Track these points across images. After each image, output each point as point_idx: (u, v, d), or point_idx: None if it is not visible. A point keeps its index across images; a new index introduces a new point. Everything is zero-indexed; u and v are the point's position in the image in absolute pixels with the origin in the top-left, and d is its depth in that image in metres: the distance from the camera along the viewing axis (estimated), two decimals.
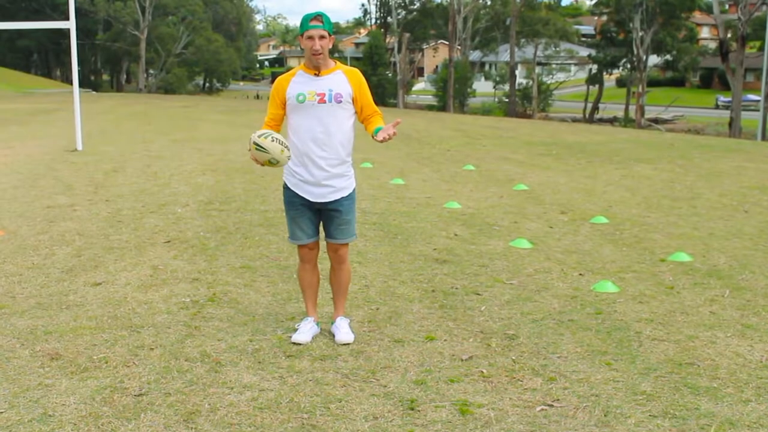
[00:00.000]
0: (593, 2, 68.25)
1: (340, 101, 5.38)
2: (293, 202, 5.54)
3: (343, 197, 5.49)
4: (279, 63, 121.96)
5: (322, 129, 5.35)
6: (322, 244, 5.68)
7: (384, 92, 70.88)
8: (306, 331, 5.62)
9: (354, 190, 5.59)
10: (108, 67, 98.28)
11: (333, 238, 5.59)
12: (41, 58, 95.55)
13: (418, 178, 13.79)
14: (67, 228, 9.35)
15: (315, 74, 5.40)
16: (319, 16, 5.30)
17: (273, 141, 5.13)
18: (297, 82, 5.43)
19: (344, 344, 5.53)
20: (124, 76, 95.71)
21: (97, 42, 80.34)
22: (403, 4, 74.71)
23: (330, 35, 5.36)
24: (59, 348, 5.43)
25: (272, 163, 5.17)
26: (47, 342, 5.55)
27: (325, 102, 5.35)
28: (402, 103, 65.21)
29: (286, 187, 5.57)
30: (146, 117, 30.16)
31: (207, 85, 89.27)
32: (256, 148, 5.12)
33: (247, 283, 7.05)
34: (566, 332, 5.82)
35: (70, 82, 19.39)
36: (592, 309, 6.38)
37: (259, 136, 5.14)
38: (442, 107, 62.03)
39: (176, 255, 8.09)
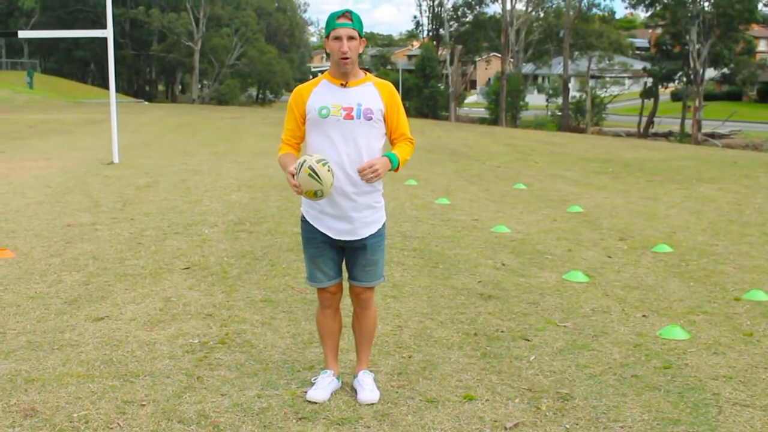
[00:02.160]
0: (648, 15, 66.73)
1: (370, 118, 4.52)
2: (313, 238, 4.70)
3: (370, 234, 4.66)
4: None
5: (350, 150, 4.48)
6: (346, 285, 4.86)
7: (436, 105, 70.22)
8: (323, 386, 4.80)
9: (384, 225, 4.76)
10: (163, 78, 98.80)
11: (356, 280, 4.76)
12: (97, 68, 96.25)
13: (465, 198, 12.94)
14: (82, 250, 8.66)
15: (341, 84, 4.55)
16: (347, 13, 4.47)
17: (329, 171, 4.31)
18: (319, 93, 4.58)
19: (368, 404, 4.70)
20: (179, 87, 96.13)
21: (151, 53, 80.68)
22: (455, 17, 73.98)
23: (361, 37, 4.51)
24: (37, 402, 4.67)
25: (317, 195, 4.33)
26: (26, 393, 4.80)
27: (352, 118, 4.50)
28: (454, 115, 64.34)
29: (304, 221, 4.74)
30: (192, 129, 29.67)
31: (260, 96, 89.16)
32: (309, 174, 4.26)
33: (265, 320, 6.26)
34: (630, 392, 4.93)
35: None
36: (659, 361, 5.48)
37: (318, 162, 4.30)
38: (494, 120, 61.13)
39: (193, 284, 7.33)
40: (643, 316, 6.55)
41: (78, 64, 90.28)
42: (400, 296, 7.02)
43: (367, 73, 4.67)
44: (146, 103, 65.57)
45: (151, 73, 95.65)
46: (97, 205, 11.59)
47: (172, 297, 6.92)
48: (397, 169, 4.60)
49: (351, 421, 4.47)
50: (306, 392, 4.78)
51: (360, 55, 4.55)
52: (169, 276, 7.64)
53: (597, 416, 4.57)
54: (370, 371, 4.97)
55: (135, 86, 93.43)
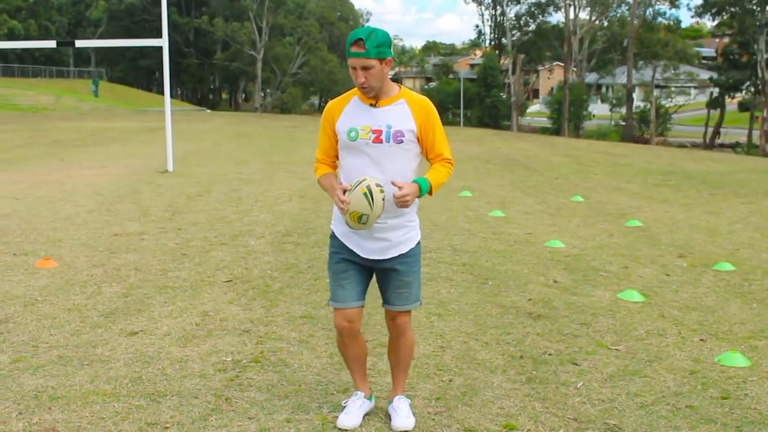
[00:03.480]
0: (714, 24, 65.53)
1: (401, 141, 4.19)
2: (339, 254, 4.40)
3: (401, 254, 4.34)
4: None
5: (378, 173, 4.16)
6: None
7: (497, 114, 69.77)
8: (354, 410, 4.52)
9: (418, 244, 4.43)
10: (226, 86, 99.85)
11: (390, 303, 4.45)
12: (162, 76, 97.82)
13: (520, 210, 12.61)
14: (125, 261, 8.55)
15: (372, 104, 4.23)
16: (360, 41, 4.05)
17: (383, 201, 4.07)
18: (349, 114, 4.27)
19: None
20: (242, 95, 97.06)
21: (215, 61, 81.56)
22: (517, 26, 73.45)
23: (381, 60, 4.09)
24: (59, 421, 4.50)
25: (360, 221, 4.08)
26: (50, 412, 4.63)
27: (381, 141, 4.18)
28: (515, 125, 63.84)
29: (333, 236, 4.47)
30: (249, 137, 29.72)
31: (322, 104, 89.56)
32: (365, 194, 4.02)
33: (303, 338, 6.04)
34: (683, 425, 4.58)
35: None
36: (716, 391, 5.12)
37: (377, 186, 4.06)
38: (557, 130, 60.50)
39: (233, 298, 7.15)
40: (701, 340, 6.18)
41: (143, 73, 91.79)
42: (445, 314, 6.74)
43: (402, 87, 4.33)
44: (208, 111, 66.18)
45: (215, 81, 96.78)
46: (146, 215, 11.52)
47: (210, 311, 6.73)
48: (430, 193, 4.26)
49: None
50: (337, 417, 4.51)
51: (392, 73, 4.21)
52: (210, 289, 7.47)
53: None
54: (407, 397, 4.69)
55: (199, 94, 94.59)
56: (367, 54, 4.04)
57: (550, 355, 5.77)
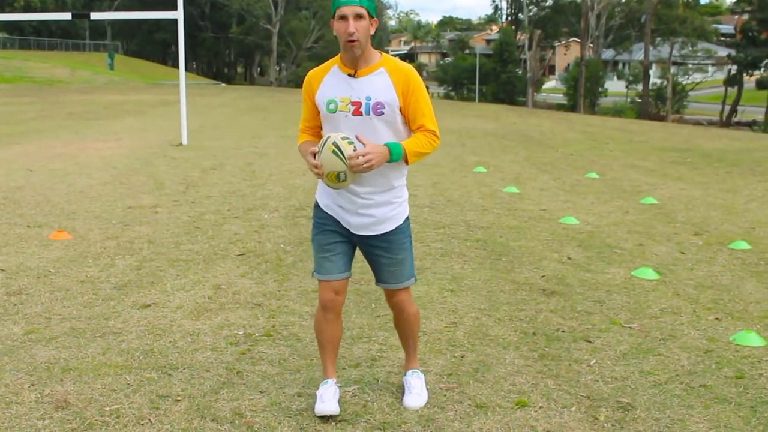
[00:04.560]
0: (734, 0, 64.86)
1: (381, 113, 3.97)
2: (324, 224, 4.22)
3: (387, 232, 4.17)
4: (410, 59, 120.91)
5: (360, 147, 3.95)
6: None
7: (513, 90, 69.44)
8: (330, 397, 4.29)
9: (406, 219, 4.25)
10: (241, 60, 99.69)
11: (384, 283, 4.31)
12: (177, 50, 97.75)
13: (534, 187, 12.54)
14: (139, 233, 8.55)
15: (351, 74, 4.01)
16: None
17: (355, 151, 3.89)
18: (328, 84, 4.07)
19: (414, 409, 4.41)
20: (257, 69, 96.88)
21: (230, 35, 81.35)
22: (534, 1, 72.94)
23: (371, 16, 3.92)
24: (71, 393, 4.50)
25: (339, 179, 3.91)
26: (61, 383, 4.64)
27: (361, 114, 3.97)
28: (531, 101, 63.55)
29: (317, 206, 4.28)
30: (264, 111, 29.67)
31: None
32: (333, 152, 3.85)
33: (314, 312, 6.01)
34: (697, 404, 4.55)
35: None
36: (731, 370, 5.08)
37: (343, 139, 3.89)
38: (572, 107, 60.14)
39: (245, 272, 7.14)
40: (716, 319, 6.13)
41: (159, 46, 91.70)
42: (458, 290, 6.71)
43: (384, 54, 4.08)
44: (223, 85, 66.17)
45: (230, 55, 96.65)
46: (161, 188, 11.52)
47: (222, 285, 6.73)
48: (407, 162, 4.03)
49: (393, 425, 4.20)
50: (314, 407, 4.30)
51: (372, 37, 4.00)
52: (223, 262, 7.46)
53: (659, 430, 4.21)
54: (421, 371, 4.62)
55: (214, 68, 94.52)
56: (360, 2, 3.86)
57: (563, 332, 5.74)
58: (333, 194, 4.16)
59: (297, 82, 74.22)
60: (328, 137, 3.92)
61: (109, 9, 76.77)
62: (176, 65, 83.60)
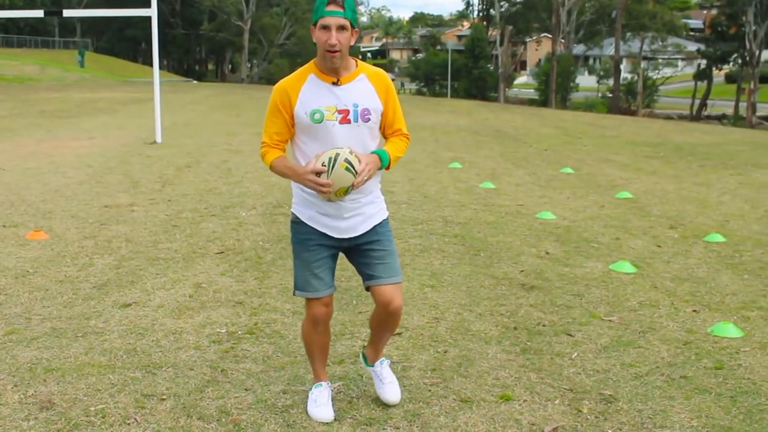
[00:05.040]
0: None
1: (368, 119, 3.95)
2: (307, 240, 4.08)
3: (377, 224, 4.12)
4: (381, 55, 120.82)
5: None
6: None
7: (485, 86, 69.67)
8: (326, 401, 4.27)
9: (387, 218, 4.22)
10: (213, 57, 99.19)
11: (378, 278, 4.10)
12: (148, 47, 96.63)
13: (510, 182, 12.60)
14: (116, 232, 8.52)
15: (334, 82, 3.93)
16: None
17: (360, 163, 3.87)
18: (309, 94, 3.92)
19: (395, 401, 4.39)
20: (229, 66, 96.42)
21: (201, 32, 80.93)
22: None
23: (353, 27, 3.85)
24: (55, 393, 4.49)
25: (347, 193, 3.88)
26: (45, 384, 4.62)
27: (349, 122, 3.91)
28: (503, 97, 63.72)
29: (298, 222, 4.13)
30: (237, 108, 29.56)
31: None
32: (347, 168, 3.78)
33: (297, 309, 6.03)
34: (678, 395, 4.61)
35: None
36: (710, 361, 5.15)
37: (351, 153, 3.83)
38: (544, 102, 60.43)
39: (225, 270, 7.13)
40: (694, 311, 6.20)
41: (129, 43, 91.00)
42: (438, 285, 6.75)
43: (358, 60, 4.04)
44: (195, 82, 65.81)
45: (201, 52, 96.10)
46: (136, 186, 11.47)
47: (203, 283, 6.72)
48: (388, 167, 4.03)
49: (380, 421, 4.22)
50: (307, 409, 4.30)
51: (350, 47, 3.95)
52: (202, 260, 7.45)
53: (642, 421, 4.27)
54: (386, 357, 4.62)
55: (185, 65, 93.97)
56: (344, 13, 3.81)
57: (544, 326, 5.79)
58: (317, 204, 4.04)
59: (269, 79, 74.04)
60: (337, 154, 3.80)
61: (78, 6, 76.16)
62: (147, 62, 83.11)
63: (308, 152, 3.97)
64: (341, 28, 3.82)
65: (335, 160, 3.79)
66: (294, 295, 4.20)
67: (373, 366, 4.51)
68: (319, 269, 4.10)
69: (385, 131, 4.12)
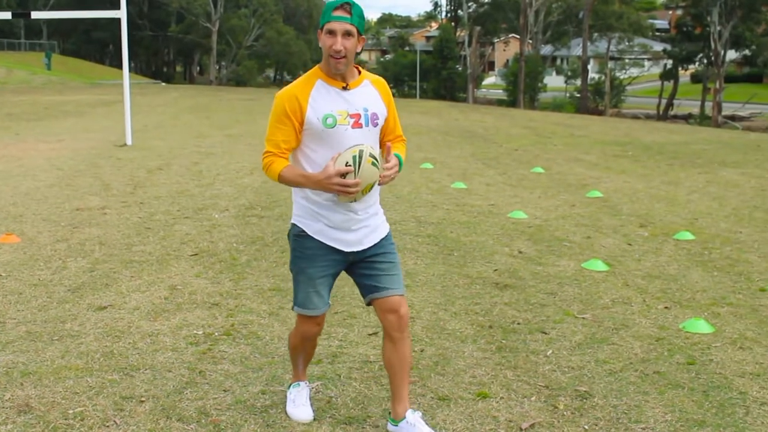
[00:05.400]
0: None
1: (377, 124, 3.93)
2: (314, 255, 3.96)
3: (382, 237, 4.02)
4: None
5: None
6: None
7: (453, 86, 69.84)
8: (304, 401, 4.31)
9: (390, 230, 4.14)
10: (181, 59, 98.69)
11: (386, 290, 3.94)
12: (116, 49, 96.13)
13: (481, 182, 12.68)
14: (89, 235, 8.48)
15: (343, 87, 3.86)
16: (346, 5, 3.72)
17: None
18: (319, 99, 3.83)
19: None
20: (197, 68, 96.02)
21: (169, 34, 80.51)
22: None
23: (360, 34, 3.80)
24: (33, 397, 4.48)
25: (372, 189, 3.82)
26: (22, 387, 4.60)
27: (360, 126, 3.84)
28: (471, 97, 63.93)
29: (304, 236, 3.97)
30: (207, 110, 29.47)
31: (277, 77, 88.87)
32: (373, 163, 3.71)
33: (273, 310, 6.05)
34: (652, 390, 4.69)
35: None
36: (682, 357, 5.23)
37: (372, 148, 3.78)
38: (512, 102, 60.67)
39: (200, 272, 7.13)
40: (665, 307, 6.29)
41: (96, 45, 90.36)
42: (413, 285, 6.79)
43: (359, 67, 4.00)
44: (163, 84, 65.49)
45: (169, 54, 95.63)
46: (108, 189, 11.42)
47: (178, 285, 6.72)
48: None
49: (359, 420, 4.26)
50: (287, 409, 4.32)
51: (356, 54, 3.89)
52: (176, 263, 7.45)
53: (617, 416, 4.33)
54: (416, 409, 4.23)
55: (153, 67, 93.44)
56: (351, 20, 3.74)
57: (518, 324, 5.85)
58: (326, 216, 3.91)
59: (237, 81, 73.88)
60: (360, 151, 3.71)
61: (44, 7, 75.48)
62: (114, 65, 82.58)
63: (318, 159, 3.84)
64: (347, 34, 3.75)
65: (360, 156, 3.71)
66: (293, 310, 4.11)
67: (404, 419, 4.06)
68: (321, 286, 4.00)
69: (386, 137, 4.06)
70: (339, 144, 3.79)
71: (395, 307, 3.95)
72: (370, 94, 3.94)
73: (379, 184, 3.84)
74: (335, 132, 3.80)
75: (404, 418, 4.04)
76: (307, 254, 3.98)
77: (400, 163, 3.96)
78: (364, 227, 3.96)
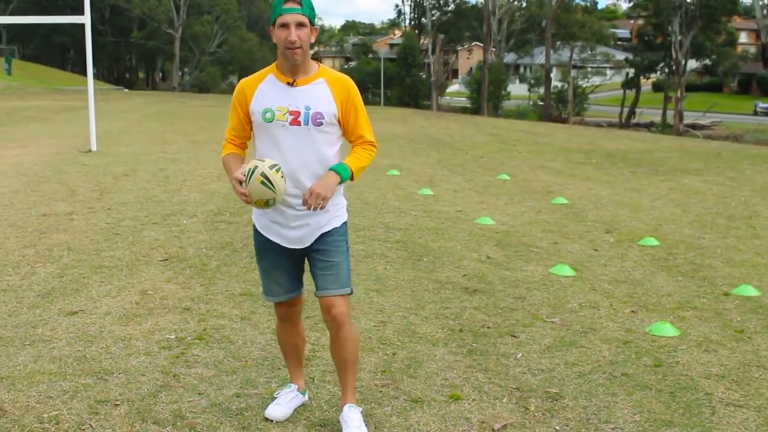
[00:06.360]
0: (630, 5, 66.70)
1: (320, 123, 3.92)
2: (265, 249, 4.14)
3: (324, 233, 4.05)
4: None
5: (297, 158, 3.93)
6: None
7: (417, 94, 70.03)
8: (285, 402, 4.37)
9: (344, 224, 4.14)
10: (143, 65, 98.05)
11: (322, 289, 4.04)
12: (77, 54, 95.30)
13: (448, 188, 12.77)
14: (57, 241, 8.45)
15: (289, 83, 3.94)
16: None
17: (282, 177, 3.81)
18: (264, 92, 3.97)
19: None
20: (159, 75, 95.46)
21: (132, 40, 79.98)
22: (437, 5, 73.72)
23: (312, 25, 3.88)
24: (6, 401, 4.48)
25: (268, 204, 3.83)
26: None
27: (299, 123, 3.90)
28: (435, 105, 64.15)
29: (255, 230, 4.19)
30: (171, 116, 29.34)
31: None
32: (262, 182, 3.74)
33: (245, 315, 6.08)
34: (620, 391, 4.78)
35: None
36: (649, 359, 5.34)
37: (271, 168, 3.78)
38: (476, 110, 60.98)
39: (170, 277, 7.14)
40: (632, 311, 6.41)
41: (57, 51, 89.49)
42: (383, 290, 6.85)
43: (321, 65, 4.04)
44: (126, 90, 64.96)
45: (132, 60, 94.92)
46: (74, 195, 11.36)
47: (148, 290, 6.72)
48: (352, 179, 4.02)
49: (333, 422, 4.30)
50: (266, 408, 4.38)
51: (311, 46, 3.97)
52: (146, 268, 7.44)
53: (587, 417, 4.42)
54: (358, 405, 4.26)
55: (115, 73, 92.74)
56: (302, 10, 3.82)
57: (488, 328, 5.93)
58: (269, 212, 4.03)
59: (200, 87, 73.50)
60: (255, 167, 3.78)
61: (4, 12, 74.73)
62: (75, 70, 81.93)
63: (261, 151, 4.01)
64: (300, 24, 3.83)
65: (252, 172, 3.78)
66: (263, 297, 4.36)
67: (341, 411, 4.22)
68: (278, 275, 4.18)
69: (348, 138, 4.11)
70: (277, 138, 3.93)
71: (327, 307, 4.06)
72: (319, 92, 3.95)
73: (313, 209, 3.90)
74: (273, 126, 3.93)
75: (341, 410, 4.21)
76: (258, 248, 4.21)
77: (342, 173, 3.96)
78: (304, 225, 4.02)
